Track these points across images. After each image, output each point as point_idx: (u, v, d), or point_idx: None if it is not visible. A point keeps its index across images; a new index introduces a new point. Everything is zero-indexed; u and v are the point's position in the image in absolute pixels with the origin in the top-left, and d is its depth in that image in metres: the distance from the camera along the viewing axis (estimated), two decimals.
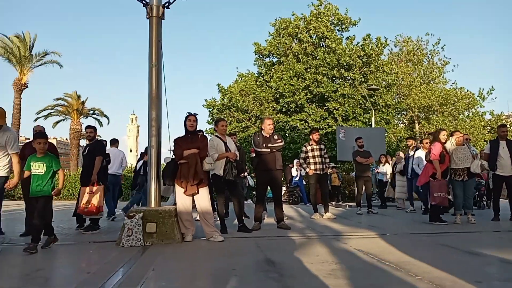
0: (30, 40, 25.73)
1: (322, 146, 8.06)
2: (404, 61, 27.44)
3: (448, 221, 6.71)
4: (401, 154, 10.68)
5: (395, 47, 28.76)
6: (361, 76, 20.39)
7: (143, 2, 5.30)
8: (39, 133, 4.78)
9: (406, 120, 28.70)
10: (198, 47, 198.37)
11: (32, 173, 4.54)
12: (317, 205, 8.22)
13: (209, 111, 24.14)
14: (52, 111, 30.64)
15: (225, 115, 22.25)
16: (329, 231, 5.94)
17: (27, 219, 5.95)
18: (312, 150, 7.92)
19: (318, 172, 7.86)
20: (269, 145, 6.20)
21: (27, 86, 25.26)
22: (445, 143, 6.88)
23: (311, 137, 8.08)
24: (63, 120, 31.23)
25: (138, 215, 4.82)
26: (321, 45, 21.15)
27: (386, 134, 17.79)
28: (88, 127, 6.76)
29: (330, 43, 19.90)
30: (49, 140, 6.42)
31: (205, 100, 24.00)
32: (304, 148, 8.09)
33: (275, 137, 6.35)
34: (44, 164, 4.55)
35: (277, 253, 4.21)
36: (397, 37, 28.85)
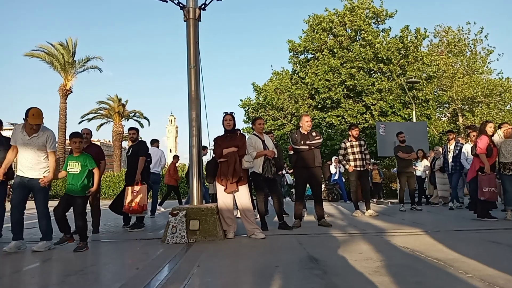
0: (73, 47, 26.93)
1: (362, 142, 7.92)
2: (445, 52, 26.41)
3: (498, 217, 6.41)
4: (440, 149, 10.25)
5: (435, 38, 27.75)
6: (399, 68, 19.82)
7: (180, 5, 5.42)
8: (74, 132, 4.86)
9: (448, 113, 27.63)
10: (232, 47, 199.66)
11: (69, 171, 4.65)
12: (358, 202, 8.09)
13: (245, 110, 24.31)
14: (95, 114, 31.98)
15: (260, 114, 22.32)
16: (371, 228, 5.84)
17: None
18: (352, 146, 7.80)
19: (358, 168, 7.72)
20: (307, 142, 6.16)
21: (71, 91, 26.46)
22: (492, 135, 6.57)
23: (350, 133, 7.96)
24: (106, 123, 32.51)
25: (181, 213, 4.95)
26: (357, 38, 20.75)
27: (428, 129, 17.20)
28: (130, 128, 7.01)
29: (366, 35, 19.48)
30: (94, 143, 6.74)
31: (241, 100, 24.21)
32: (343, 145, 7.98)
33: (313, 133, 6.30)
34: (79, 163, 4.64)
35: (320, 250, 4.19)
36: (436, 27, 27.85)
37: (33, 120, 4.49)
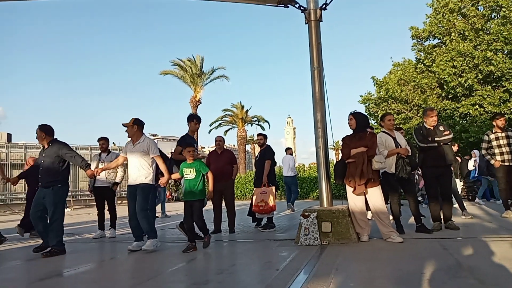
0: (200, 62, 29.31)
1: (510, 133, 6.92)
2: None
3: None
4: None
5: None
6: None
7: (301, 8, 5.46)
8: (187, 143, 5.35)
9: None
10: (346, 43, 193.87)
11: (185, 178, 5.07)
12: (508, 201, 7.09)
13: (365, 106, 23.33)
14: (222, 121, 34.35)
15: (382, 108, 21.19)
16: None
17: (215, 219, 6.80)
18: (497, 138, 6.89)
19: (507, 163, 6.78)
20: (435, 138, 5.62)
21: (201, 102, 28.82)
22: None
23: (494, 123, 7.03)
24: (231, 128, 34.65)
25: (312, 215, 4.97)
26: (493, 17, 18.24)
27: None
28: (259, 134, 7.37)
29: (507, 12, 16.99)
30: (227, 148, 7.24)
31: (360, 96, 23.30)
32: (486, 137, 7.10)
33: (441, 128, 5.73)
34: (194, 169, 5.05)
35: (470, 256, 3.78)
36: None
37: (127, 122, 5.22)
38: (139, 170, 5.17)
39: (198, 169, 5.07)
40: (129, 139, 5.40)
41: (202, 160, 5.78)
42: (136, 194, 5.12)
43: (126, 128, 5.27)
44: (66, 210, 16.48)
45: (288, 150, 11.07)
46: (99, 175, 5.67)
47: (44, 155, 5.26)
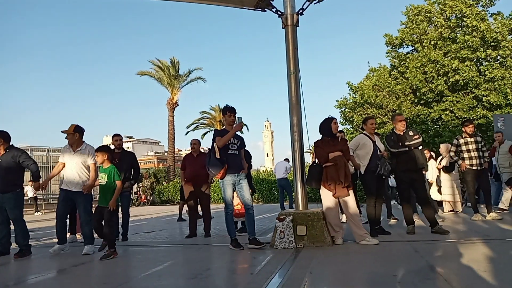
0: (176, 64, 29.09)
1: (479, 139, 7.16)
2: None
3: None
4: (444, 148, 8.59)
5: None
6: None
7: (278, 12, 5.50)
8: (102, 147, 5.20)
9: None
10: (321, 48, 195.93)
11: (99, 183, 4.92)
12: (476, 204, 7.32)
13: (341, 111, 23.66)
14: (199, 124, 34.14)
15: (358, 113, 21.55)
16: (497, 234, 5.25)
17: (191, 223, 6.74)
18: (466, 143, 7.11)
19: (475, 168, 7.01)
20: (406, 143, 5.76)
21: (178, 105, 28.57)
22: None
23: (463, 129, 7.26)
24: (209, 131, 34.47)
25: (288, 218, 4.99)
26: (460, 26, 18.87)
27: None
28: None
29: (470, 21, 17.58)
30: (203, 152, 7.17)
31: (336, 101, 23.60)
32: (455, 141, 7.32)
33: (410, 133, 5.87)
34: (106, 175, 4.86)
35: (441, 259, 3.87)
36: None
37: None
38: (81, 177, 5.28)
39: (110, 175, 4.86)
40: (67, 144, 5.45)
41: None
42: (78, 200, 5.25)
43: (66, 135, 5.31)
44: (36, 214, 16.12)
45: (286, 159, 12.58)
46: (44, 189, 5.91)
47: (1, 160, 5.34)
